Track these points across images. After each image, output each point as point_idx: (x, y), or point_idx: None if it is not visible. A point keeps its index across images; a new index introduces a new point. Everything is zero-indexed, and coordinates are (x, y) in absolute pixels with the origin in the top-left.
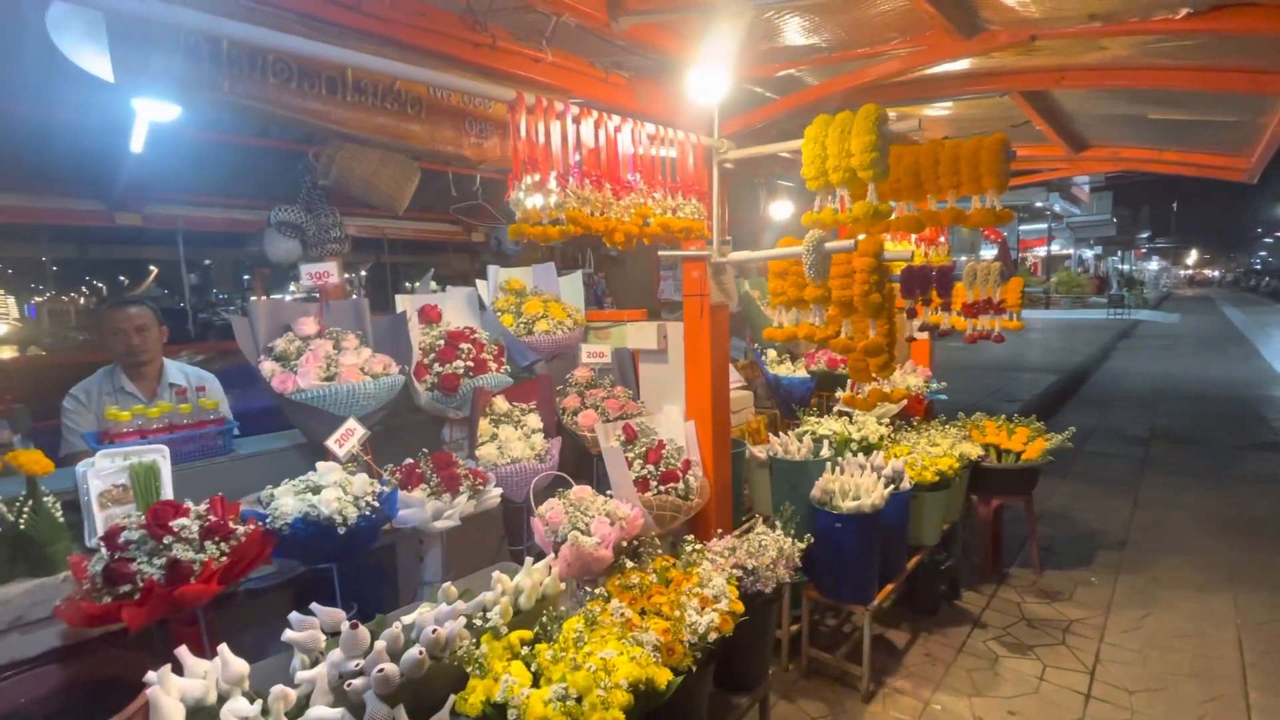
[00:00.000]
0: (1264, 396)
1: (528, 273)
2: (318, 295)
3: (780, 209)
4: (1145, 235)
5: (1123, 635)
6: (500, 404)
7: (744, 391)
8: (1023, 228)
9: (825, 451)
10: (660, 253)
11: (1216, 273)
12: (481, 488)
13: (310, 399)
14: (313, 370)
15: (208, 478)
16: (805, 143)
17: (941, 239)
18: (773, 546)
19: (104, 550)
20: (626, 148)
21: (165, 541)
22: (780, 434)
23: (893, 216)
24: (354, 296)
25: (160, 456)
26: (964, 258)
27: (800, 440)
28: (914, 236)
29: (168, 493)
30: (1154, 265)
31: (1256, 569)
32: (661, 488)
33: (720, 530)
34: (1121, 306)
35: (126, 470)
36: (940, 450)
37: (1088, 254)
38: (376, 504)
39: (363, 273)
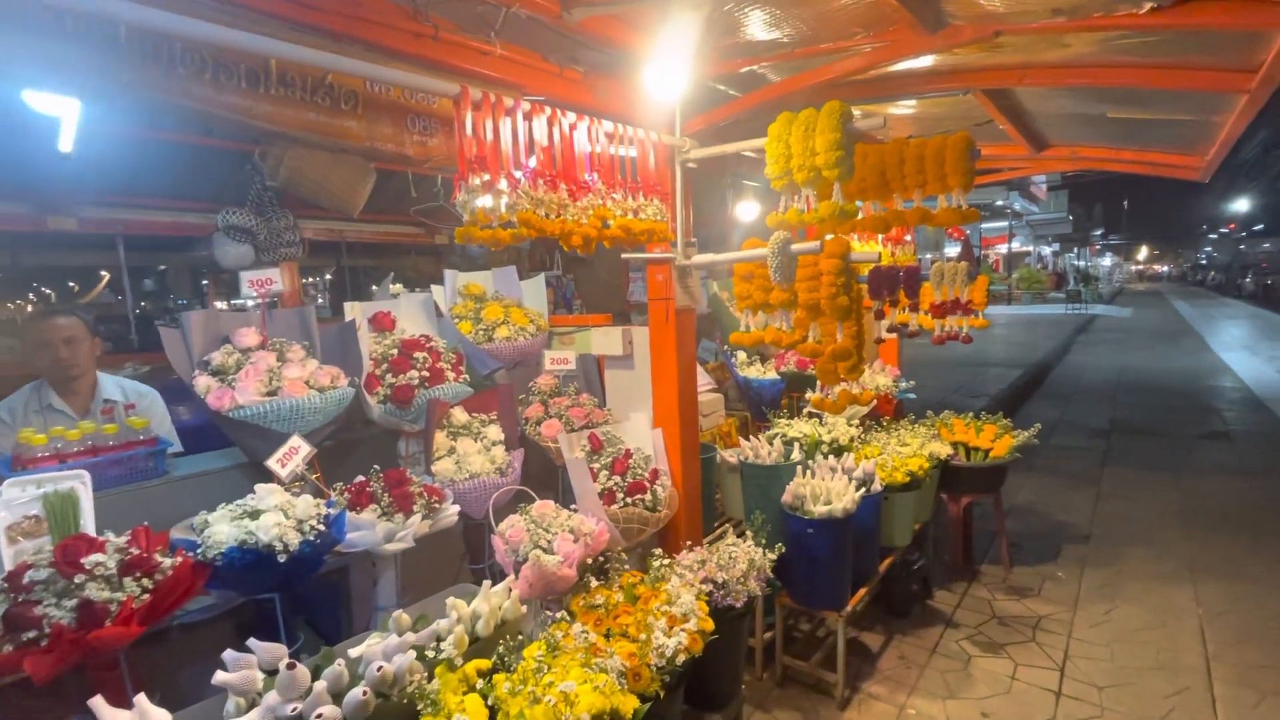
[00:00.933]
0: (1214, 387)
1: (488, 277)
2: (266, 302)
3: (747, 210)
4: (1099, 232)
5: (1090, 630)
6: (459, 415)
7: (714, 394)
8: (984, 226)
9: (796, 455)
10: (624, 255)
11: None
12: (437, 506)
13: (250, 416)
14: (253, 385)
15: (138, 504)
16: (769, 141)
17: (908, 238)
18: (744, 558)
19: (7, 592)
20: (583, 146)
21: (77, 580)
22: (751, 437)
23: (859, 216)
24: (320, 301)
25: (80, 483)
26: (929, 256)
27: (770, 444)
28: (880, 236)
29: (88, 524)
30: (1107, 261)
31: (1214, 559)
32: (628, 500)
33: (690, 542)
34: (1079, 301)
35: (40, 500)
36: (910, 450)
37: (1046, 251)
38: (322, 527)
39: (328, 276)
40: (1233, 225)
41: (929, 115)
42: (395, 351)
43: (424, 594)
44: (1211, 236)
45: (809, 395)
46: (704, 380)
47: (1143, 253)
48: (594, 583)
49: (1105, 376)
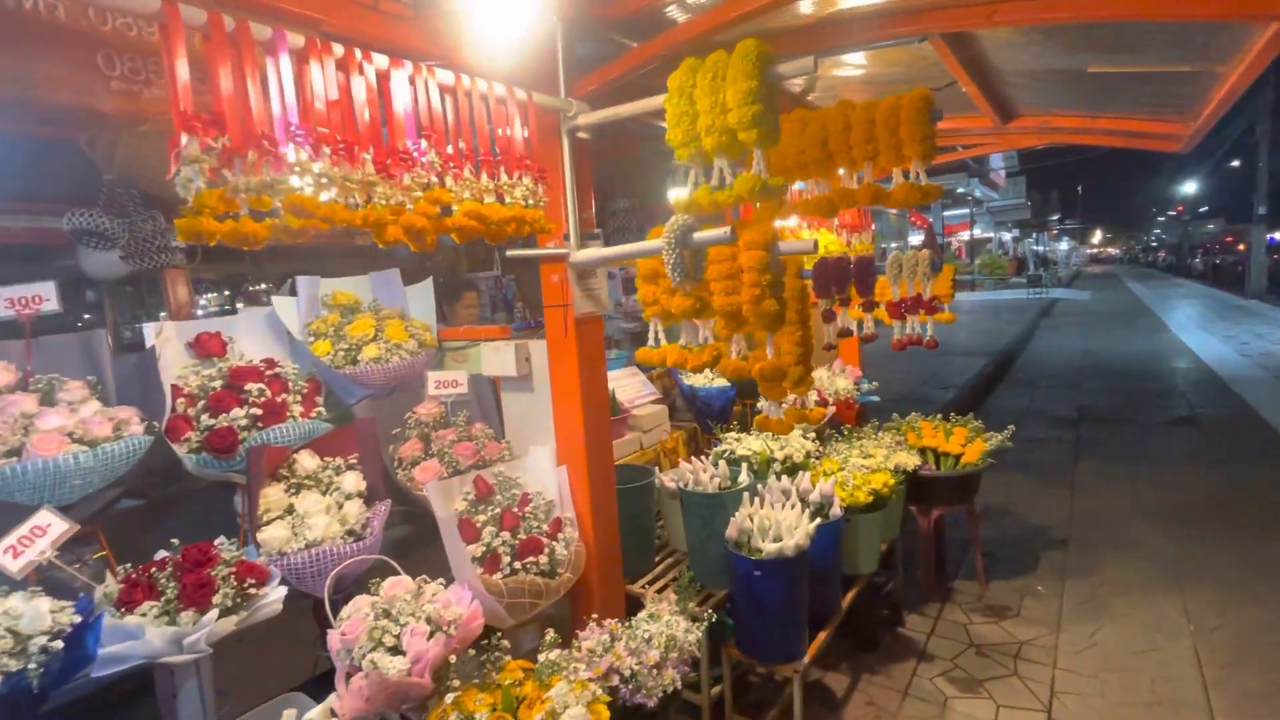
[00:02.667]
0: (1176, 369)
1: (364, 283)
2: (29, 326)
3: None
4: (1056, 217)
5: (1076, 657)
6: (306, 462)
7: (657, 406)
8: (946, 213)
9: (744, 477)
10: (508, 253)
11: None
12: (253, 592)
13: None
14: None
15: None
16: (669, 97)
17: (873, 225)
18: (660, 640)
19: None
20: (403, 104)
21: None
22: (694, 458)
23: (805, 196)
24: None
25: None
26: (893, 245)
27: (715, 465)
28: (835, 223)
29: None
30: (1064, 245)
31: (1199, 561)
32: (518, 565)
33: (596, 616)
34: (1040, 286)
35: None
36: (875, 462)
37: (1006, 237)
38: (58, 645)
39: (258, 288)
40: (1180, 208)
41: (881, 77)
42: (218, 384)
43: (257, 699)
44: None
45: (761, 404)
46: (647, 390)
47: (1097, 236)
48: (454, 685)
49: (1070, 361)
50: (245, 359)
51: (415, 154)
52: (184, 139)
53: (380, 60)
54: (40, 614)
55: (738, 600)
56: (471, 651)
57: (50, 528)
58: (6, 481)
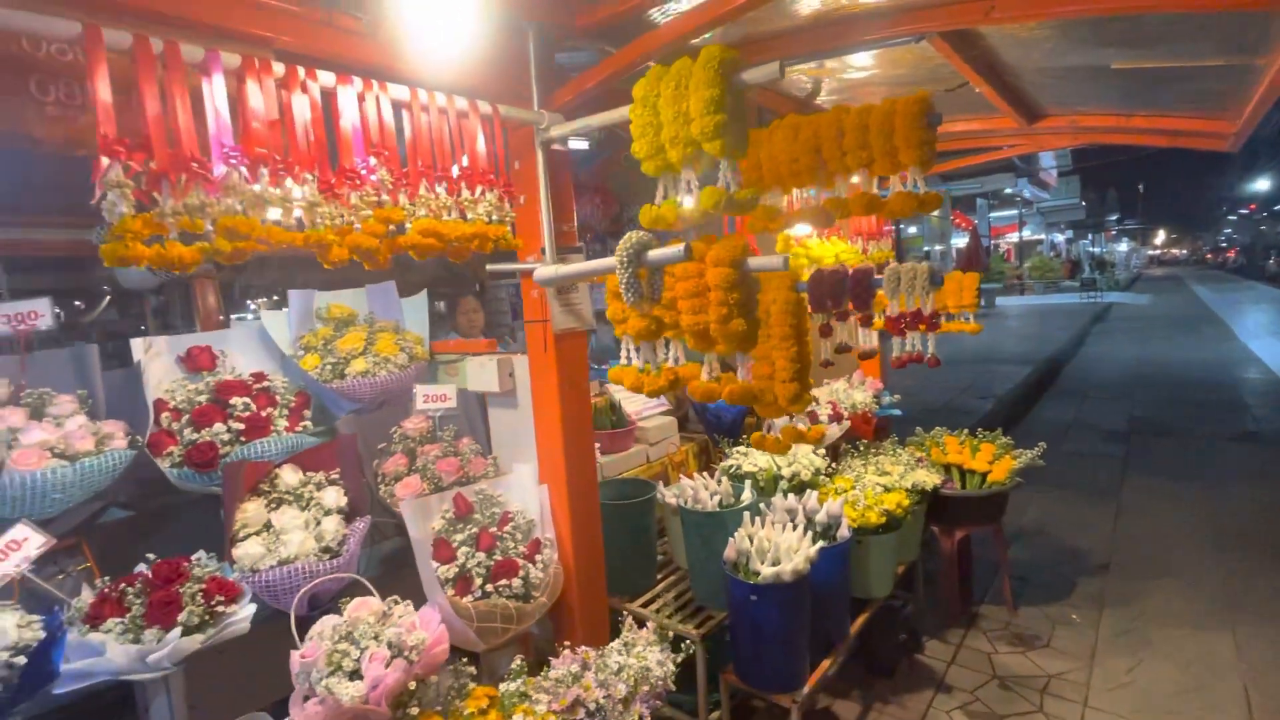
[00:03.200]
0: (1242, 380)
1: (360, 295)
2: (25, 342)
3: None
4: (1114, 218)
5: (1110, 696)
6: (288, 476)
7: (666, 418)
8: (993, 215)
9: (746, 495)
10: (488, 266)
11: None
12: (222, 610)
13: None
14: None
15: None
16: (633, 107)
17: (888, 228)
18: (629, 673)
19: None
20: (351, 119)
21: None
22: (696, 474)
23: (771, 205)
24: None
25: None
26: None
27: (718, 481)
28: (849, 230)
29: None
30: (1123, 247)
31: (1256, 594)
32: (490, 589)
33: (568, 644)
34: (1094, 289)
35: None
36: (891, 480)
37: (1059, 238)
38: (20, 660)
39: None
40: (1253, 206)
41: (893, 78)
42: (204, 398)
43: (232, 714)
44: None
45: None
46: (657, 401)
47: (1160, 237)
48: (414, 712)
49: (1123, 370)
50: (236, 373)
51: (363, 172)
52: (104, 162)
53: (326, 77)
54: (5, 629)
55: (735, 624)
56: (435, 678)
57: (27, 542)
58: None
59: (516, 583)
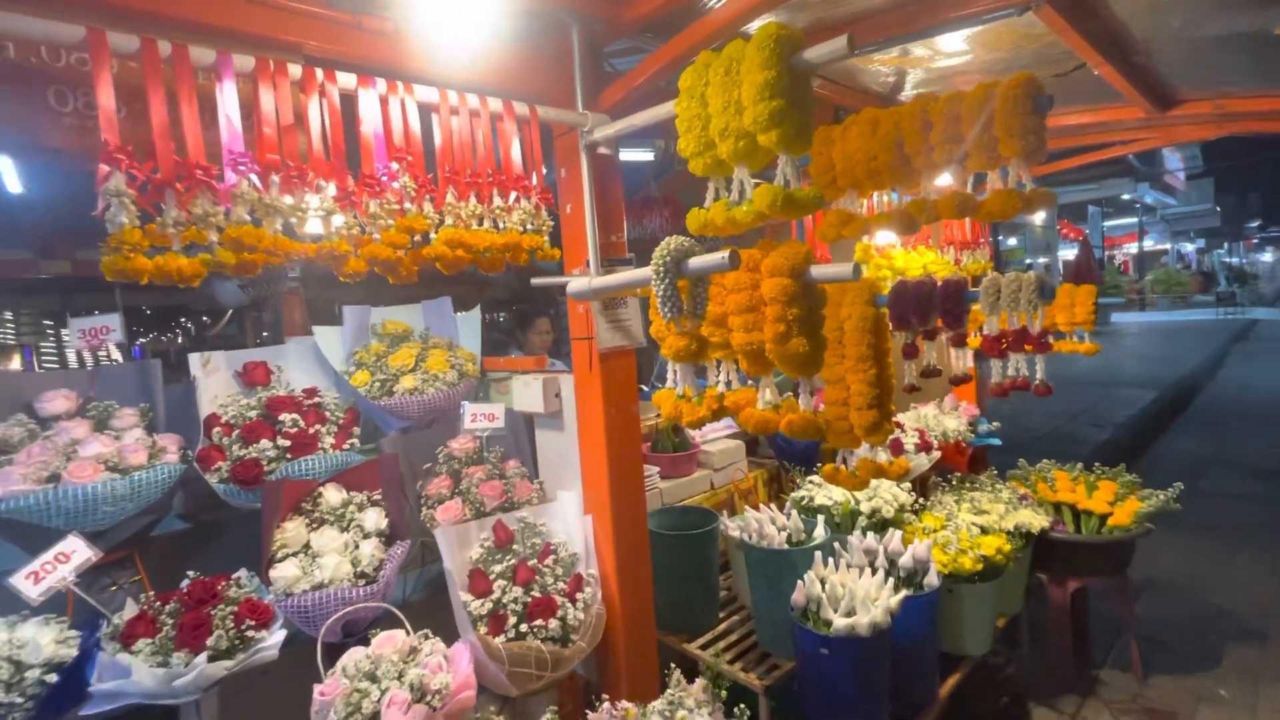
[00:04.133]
0: None
1: (416, 311)
2: (95, 357)
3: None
4: (1255, 224)
5: None
6: (331, 495)
7: (733, 441)
8: (1108, 223)
9: (819, 532)
10: (533, 281)
11: None
12: (252, 635)
13: (15, 511)
14: (29, 468)
15: None
16: (679, 100)
17: (984, 239)
18: None
19: None
20: (373, 124)
21: None
22: (764, 504)
23: (859, 207)
24: None
25: None
26: (1040, 261)
27: (786, 515)
28: (941, 240)
29: None
30: (1268, 256)
31: None
32: (527, 628)
33: (605, 697)
34: (1233, 304)
35: None
36: (990, 520)
37: (1188, 248)
38: (51, 678)
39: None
40: None
41: (986, 64)
42: (254, 413)
43: None
44: None
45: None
46: (723, 423)
47: None
48: None
49: (1273, 397)
50: (290, 388)
51: (384, 179)
52: (104, 169)
53: (347, 79)
54: (40, 645)
55: (803, 678)
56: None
57: (75, 555)
58: (43, 507)
59: (554, 624)
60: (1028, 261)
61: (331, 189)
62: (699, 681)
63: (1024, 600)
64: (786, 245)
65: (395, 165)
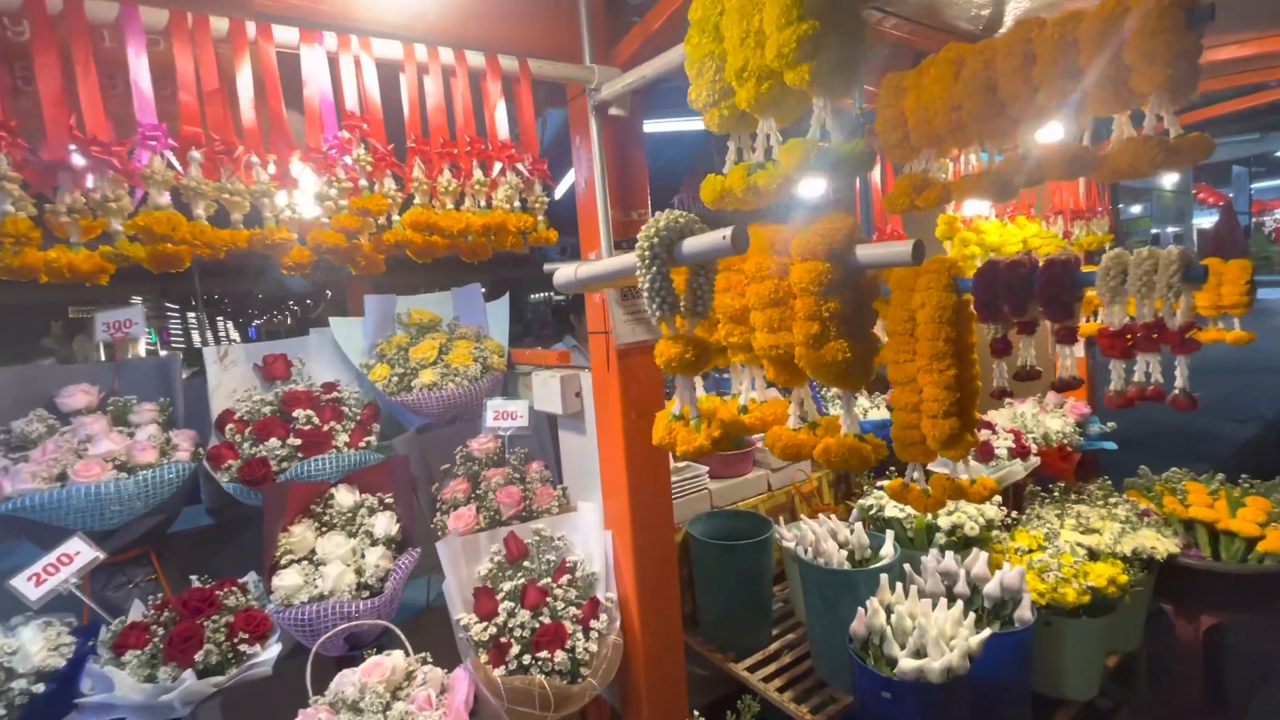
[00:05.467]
0: None
1: (446, 300)
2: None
3: (812, 186)
4: None
5: None
6: (343, 497)
7: None
8: (1256, 185)
9: (887, 549)
10: (546, 267)
11: None
12: (245, 649)
13: (22, 509)
14: (39, 465)
15: None
16: (689, 36)
17: (1100, 209)
18: None
19: None
20: (319, 85)
21: None
22: (823, 513)
23: (930, 170)
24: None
25: None
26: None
27: (850, 528)
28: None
29: None
30: None
31: None
32: (529, 659)
33: None
34: None
35: None
36: (1100, 541)
37: None
38: (38, 688)
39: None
40: None
41: None
42: (269, 409)
43: None
44: None
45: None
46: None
47: None
48: None
49: None
50: (311, 381)
51: (332, 153)
52: None
53: (286, 34)
54: (28, 652)
55: (861, 716)
56: None
57: (78, 556)
58: (53, 505)
59: (561, 656)
60: (1154, 232)
61: (273, 167)
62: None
63: (1143, 633)
64: (826, 219)
65: (347, 135)
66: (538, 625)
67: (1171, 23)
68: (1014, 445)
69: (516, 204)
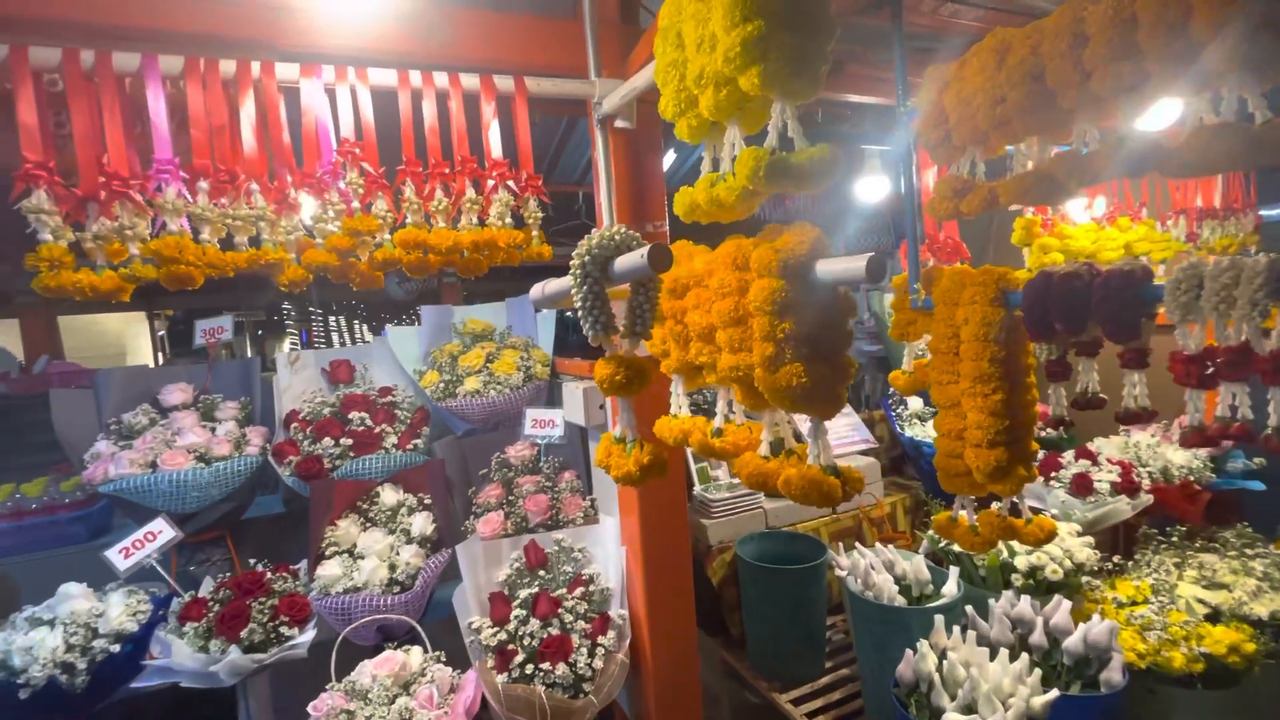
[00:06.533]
0: None
1: (500, 309)
2: (213, 354)
3: (869, 186)
4: None
5: None
6: (387, 496)
7: (865, 459)
8: None
9: (950, 587)
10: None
11: None
12: (285, 631)
13: (121, 490)
14: (138, 453)
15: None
16: (656, 41)
17: (1240, 207)
18: None
19: None
20: (317, 112)
21: None
22: (878, 544)
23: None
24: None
25: None
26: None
27: (908, 559)
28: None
29: None
30: None
31: None
32: (533, 669)
33: None
34: None
35: None
36: (1229, 598)
37: None
38: (114, 648)
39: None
40: None
41: None
42: (328, 410)
43: None
44: None
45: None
46: (858, 435)
47: None
48: None
49: None
50: (371, 385)
51: (325, 177)
52: (21, 187)
53: (288, 70)
54: (109, 616)
55: None
56: None
57: (160, 534)
58: (144, 489)
59: (562, 669)
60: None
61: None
62: None
63: None
64: (789, 231)
65: (340, 159)
66: (546, 635)
67: None
68: (1119, 480)
69: (509, 220)
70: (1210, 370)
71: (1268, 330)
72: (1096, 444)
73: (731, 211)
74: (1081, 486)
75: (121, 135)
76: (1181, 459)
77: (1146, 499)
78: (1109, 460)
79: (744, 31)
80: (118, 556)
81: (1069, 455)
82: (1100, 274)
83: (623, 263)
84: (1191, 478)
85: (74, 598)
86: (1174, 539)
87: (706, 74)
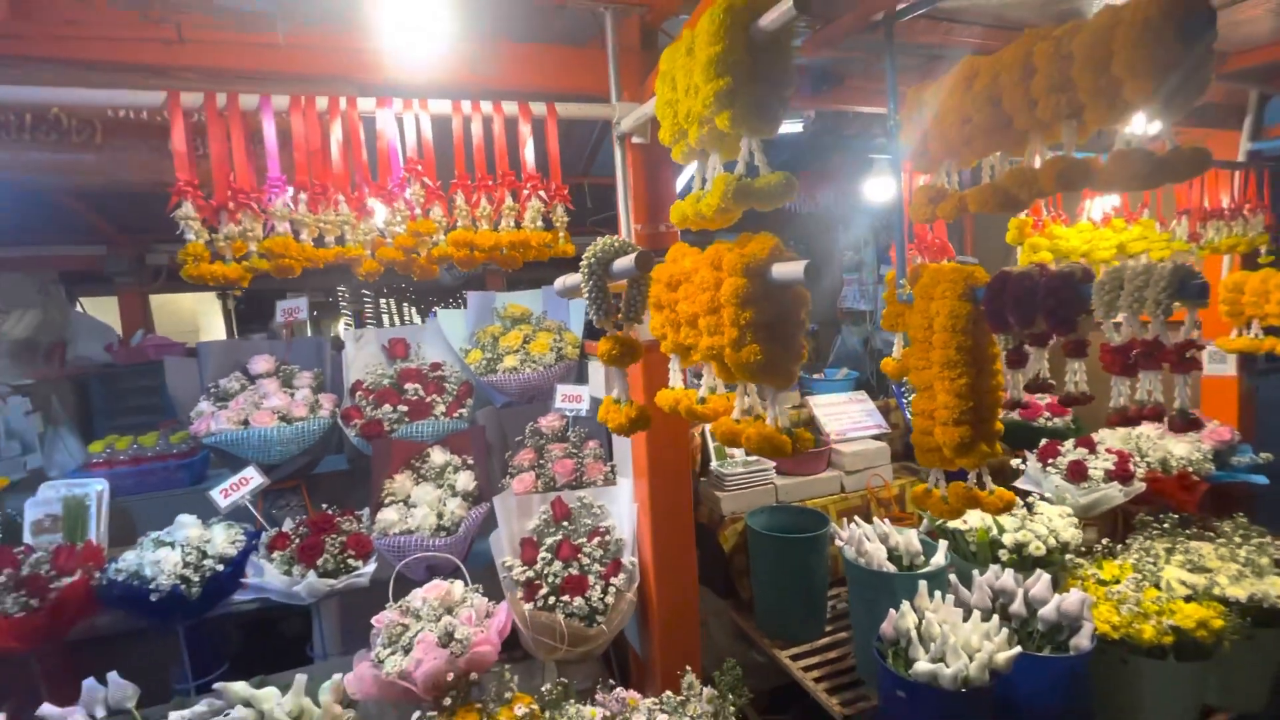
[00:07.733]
0: None
1: (537, 296)
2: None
3: (878, 188)
4: None
5: None
6: (437, 456)
7: (876, 443)
8: None
9: (939, 558)
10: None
11: None
12: (352, 563)
13: (220, 442)
14: (233, 412)
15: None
16: (657, 82)
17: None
18: None
19: None
20: (390, 136)
21: None
22: (876, 519)
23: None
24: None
25: (95, 490)
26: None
27: (900, 533)
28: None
29: (93, 528)
30: None
31: None
32: (552, 600)
33: (612, 681)
34: None
35: (60, 501)
36: (1205, 582)
37: None
38: (220, 567)
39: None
40: None
41: None
42: (387, 381)
43: None
44: None
45: (1029, 459)
46: (870, 420)
47: None
48: (447, 703)
49: None
50: (423, 361)
51: (394, 190)
52: (175, 200)
53: (366, 103)
54: (215, 541)
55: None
56: (475, 675)
57: (251, 480)
58: (238, 442)
59: (578, 602)
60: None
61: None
62: (707, 690)
63: (1269, 697)
64: (754, 240)
65: (406, 175)
66: (566, 575)
67: (1157, 35)
68: (1113, 468)
69: (540, 223)
70: (1131, 361)
71: (1178, 324)
72: (1100, 434)
73: (712, 222)
74: (1076, 473)
75: (245, 158)
76: (1182, 451)
77: (1139, 487)
78: (1108, 450)
79: (717, 85)
80: (219, 496)
81: (1069, 444)
82: (1047, 275)
83: (620, 264)
84: (1190, 469)
85: (187, 526)
86: (1165, 526)
87: (692, 113)
